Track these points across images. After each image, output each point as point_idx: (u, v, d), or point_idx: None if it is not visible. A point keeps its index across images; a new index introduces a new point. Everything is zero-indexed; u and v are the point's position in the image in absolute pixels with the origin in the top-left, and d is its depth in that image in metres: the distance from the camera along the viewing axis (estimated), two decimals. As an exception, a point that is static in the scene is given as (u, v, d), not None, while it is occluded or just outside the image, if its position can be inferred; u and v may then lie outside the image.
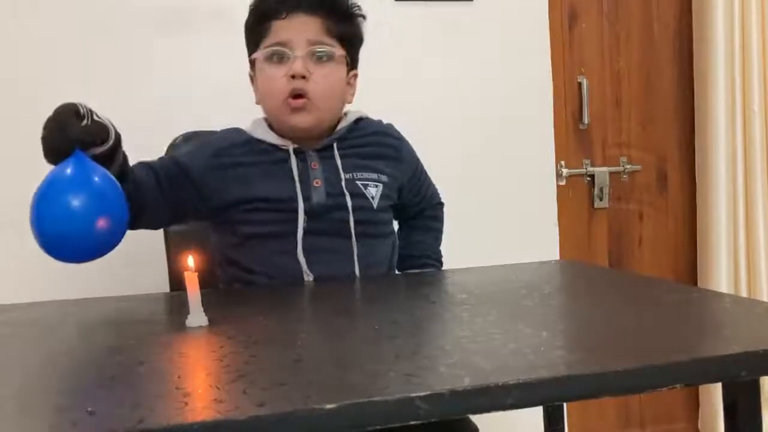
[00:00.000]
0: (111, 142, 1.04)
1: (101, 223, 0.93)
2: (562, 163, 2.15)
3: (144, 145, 1.70)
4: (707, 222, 2.17)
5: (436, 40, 1.97)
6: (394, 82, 1.91)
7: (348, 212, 1.25)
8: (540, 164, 2.07)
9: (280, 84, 1.22)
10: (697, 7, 2.17)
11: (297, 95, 1.22)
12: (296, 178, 1.24)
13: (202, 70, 1.77)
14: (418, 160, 1.42)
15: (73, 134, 0.96)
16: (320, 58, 1.24)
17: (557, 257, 2.05)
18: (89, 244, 0.95)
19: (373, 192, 1.29)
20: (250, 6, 1.29)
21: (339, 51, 1.26)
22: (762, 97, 2.14)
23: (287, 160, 1.26)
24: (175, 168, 1.25)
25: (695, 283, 2.26)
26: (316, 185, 1.25)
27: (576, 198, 2.20)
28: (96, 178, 0.96)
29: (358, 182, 1.28)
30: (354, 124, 1.33)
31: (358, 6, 1.31)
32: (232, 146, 1.28)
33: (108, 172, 0.99)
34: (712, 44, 2.11)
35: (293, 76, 1.21)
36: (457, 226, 1.96)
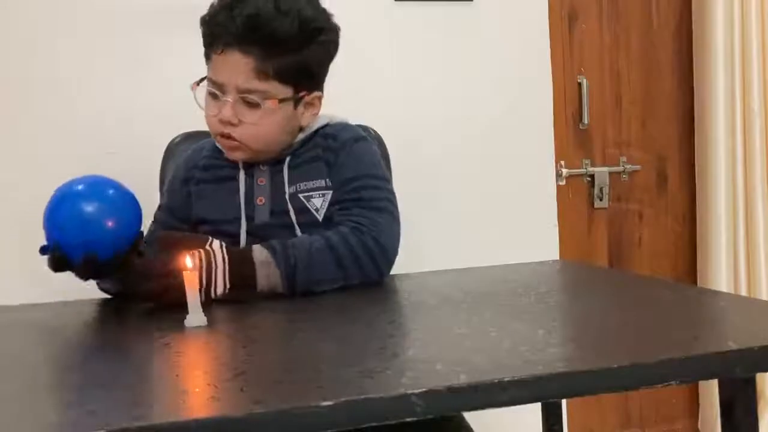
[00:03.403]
0: None
1: (110, 224, 0.98)
2: (562, 163, 2.16)
3: (144, 144, 1.72)
4: (707, 222, 2.17)
5: (436, 40, 1.97)
6: (393, 82, 1.91)
7: (294, 230, 1.20)
8: (540, 164, 2.08)
9: (214, 122, 1.20)
10: (697, 7, 2.17)
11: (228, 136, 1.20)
12: (242, 196, 1.22)
13: (202, 70, 1.78)
14: (363, 164, 1.24)
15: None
16: (251, 105, 1.18)
17: (557, 257, 2.05)
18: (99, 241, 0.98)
19: (318, 203, 1.21)
20: (201, 20, 1.22)
21: (272, 98, 1.18)
22: (762, 97, 2.14)
23: (236, 176, 1.24)
24: (169, 215, 1.30)
25: (695, 283, 2.26)
26: (259, 203, 1.22)
27: (576, 198, 2.21)
28: (110, 191, 1.01)
29: (301, 195, 1.21)
30: (314, 133, 1.27)
31: (316, 28, 1.19)
32: (196, 166, 1.29)
33: (122, 185, 1.03)
34: (712, 44, 2.11)
35: (222, 121, 1.19)
36: (457, 226, 1.97)
